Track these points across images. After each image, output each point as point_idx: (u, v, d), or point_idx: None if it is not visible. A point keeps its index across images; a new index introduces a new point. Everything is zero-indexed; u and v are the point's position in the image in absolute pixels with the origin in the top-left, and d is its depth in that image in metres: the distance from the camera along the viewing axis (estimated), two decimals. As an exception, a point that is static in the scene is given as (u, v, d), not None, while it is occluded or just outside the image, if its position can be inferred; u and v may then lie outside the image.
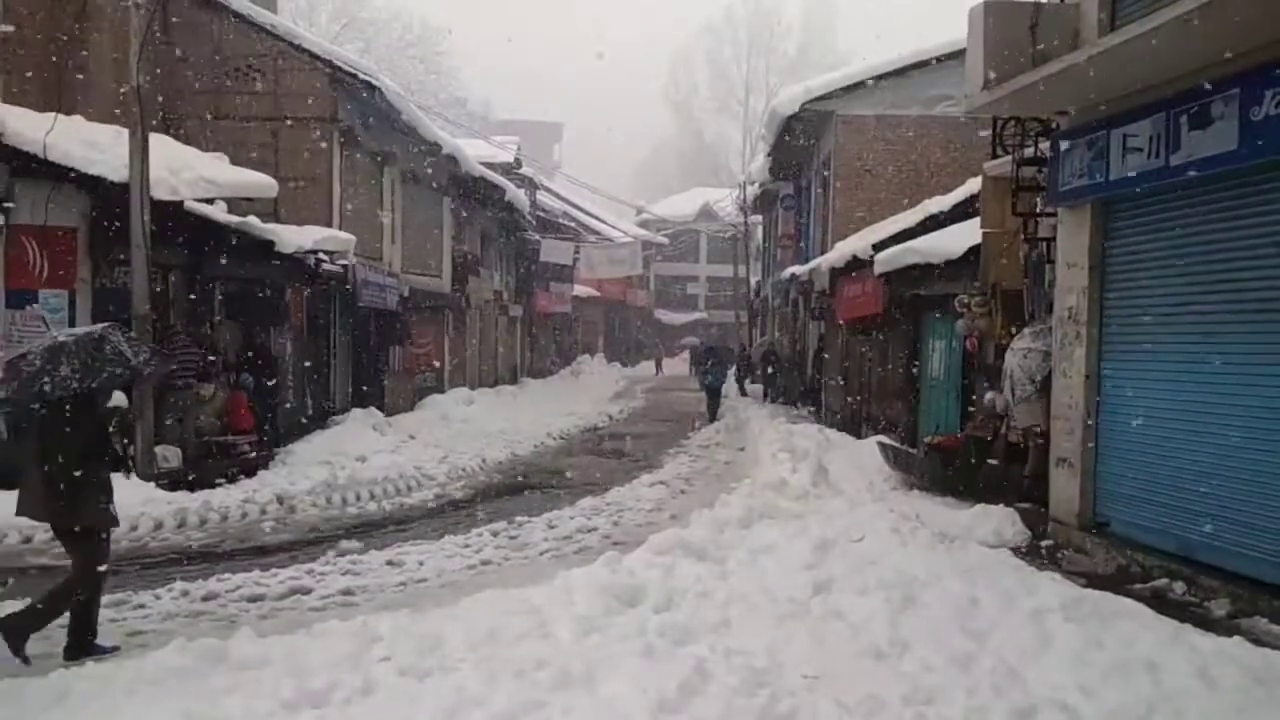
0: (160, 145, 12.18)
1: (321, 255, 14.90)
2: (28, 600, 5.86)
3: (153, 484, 10.62)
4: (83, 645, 5.77)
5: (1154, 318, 7.65)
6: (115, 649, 5.84)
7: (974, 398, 11.45)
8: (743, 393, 27.98)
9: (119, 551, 8.45)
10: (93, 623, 5.88)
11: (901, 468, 11.73)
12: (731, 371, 28.23)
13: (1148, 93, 7.30)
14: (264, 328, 14.29)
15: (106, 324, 6.10)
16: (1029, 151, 9.57)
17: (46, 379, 5.41)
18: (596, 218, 47.79)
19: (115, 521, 6.01)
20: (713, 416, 22.17)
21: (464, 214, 25.93)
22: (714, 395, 22.88)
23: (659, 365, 47.51)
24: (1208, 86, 6.66)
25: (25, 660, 5.44)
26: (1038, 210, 9.52)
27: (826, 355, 21.48)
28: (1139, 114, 7.40)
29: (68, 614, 5.75)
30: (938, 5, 26.52)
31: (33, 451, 5.66)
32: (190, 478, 11.34)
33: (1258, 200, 6.58)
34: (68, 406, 5.57)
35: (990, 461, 10.41)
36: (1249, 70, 6.35)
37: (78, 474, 5.58)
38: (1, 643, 5.51)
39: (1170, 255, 7.44)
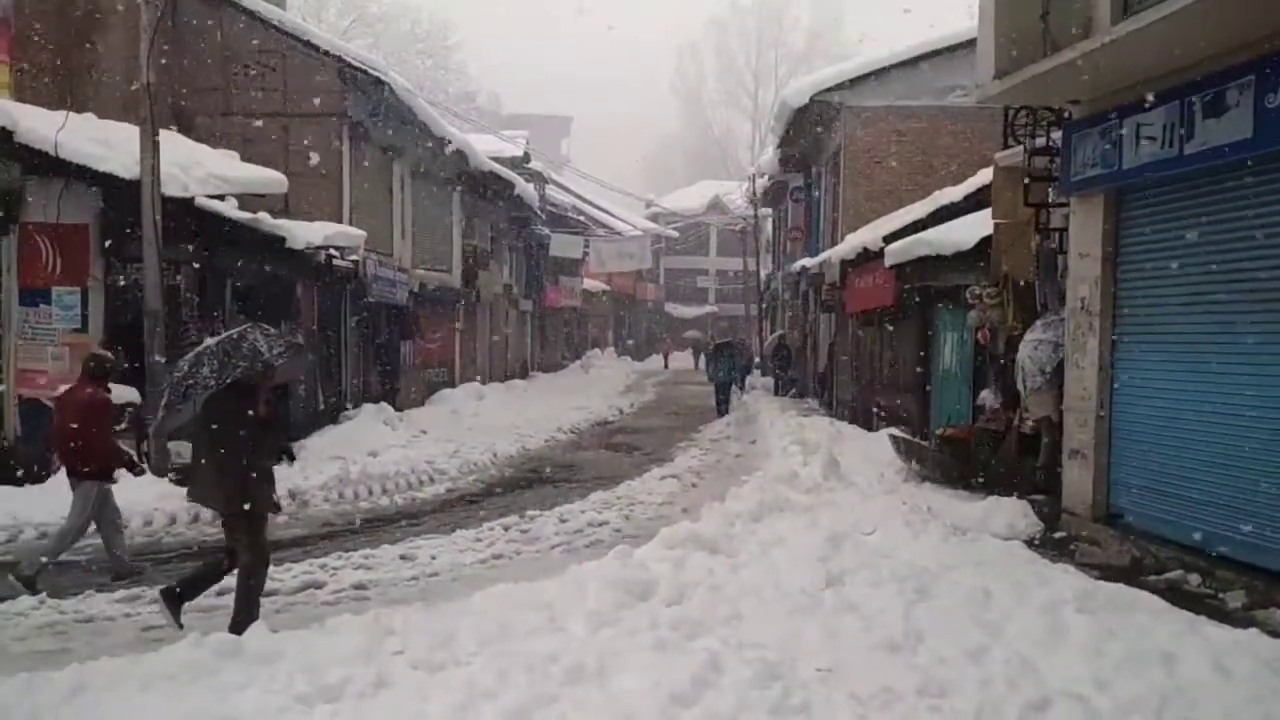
0: (171, 142, 12.22)
1: (332, 251, 14.95)
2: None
3: (166, 479, 10.67)
4: (180, 600, 6.16)
5: (1168, 308, 7.61)
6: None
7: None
8: (742, 388, 27.42)
9: (133, 547, 8.51)
10: (197, 590, 6.29)
11: (913, 460, 11.69)
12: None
13: (1161, 81, 7.23)
14: (275, 323, 14.33)
15: (251, 324, 6.44)
16: (1041, 141, 9.52)
17: (191, 381, 5.98)
18: (606, 211, 47.76)
19: (278, 507, 6.47)
20: (722, 411, 22.15)
21: (473, 209, 25.94)
22: (723, 390, 22.86)
23: (666, 359, 47.52)
24: (1222, 74, 6.60)
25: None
26: (1050, 201, 9.47)
27: (837, 348, 21.42)
28: (1152, 102, 7.34)
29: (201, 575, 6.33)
30: (947, -5, 26.36)
31: (204, 443, 6.13)
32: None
33: (1273, 189, 6.52)
34: (234, 401, 5.99)
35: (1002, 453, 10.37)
36: (1265, 57, 6.29)
37: (246, 462, 6.00)
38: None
39: (1184, 245, 7.38)
